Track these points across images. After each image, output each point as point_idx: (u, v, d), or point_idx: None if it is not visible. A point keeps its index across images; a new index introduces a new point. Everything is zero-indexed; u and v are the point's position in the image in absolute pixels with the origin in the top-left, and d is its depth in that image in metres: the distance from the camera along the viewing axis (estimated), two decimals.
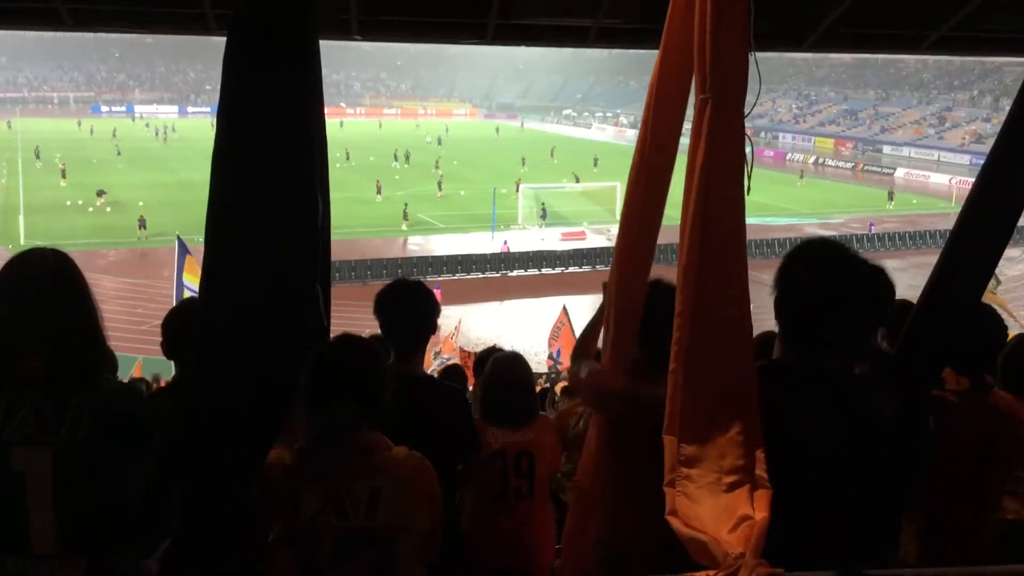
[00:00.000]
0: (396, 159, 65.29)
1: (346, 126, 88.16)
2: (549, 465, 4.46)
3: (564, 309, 22.31)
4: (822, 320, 2.57)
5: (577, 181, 53.56)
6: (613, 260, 3.30)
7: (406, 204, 44.16)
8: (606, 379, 3.32)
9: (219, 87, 2.60)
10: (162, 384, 12.02)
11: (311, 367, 2.67)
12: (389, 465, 2.61)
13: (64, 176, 52.23)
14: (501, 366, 4.45)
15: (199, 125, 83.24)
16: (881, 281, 3.22)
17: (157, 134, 79.19)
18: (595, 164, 62.93)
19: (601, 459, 3.43)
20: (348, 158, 62.24)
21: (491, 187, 46.75)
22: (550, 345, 21.59)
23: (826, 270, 2.58)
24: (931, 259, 3.35)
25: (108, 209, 44.02)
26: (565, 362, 19.47)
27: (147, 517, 2.70)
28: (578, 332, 4.19)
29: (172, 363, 3.99)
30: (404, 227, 42.64)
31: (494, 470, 4.15)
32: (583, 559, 3.59)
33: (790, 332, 2.67)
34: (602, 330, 3.40)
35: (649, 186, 3.03)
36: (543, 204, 45.36)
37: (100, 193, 45.59)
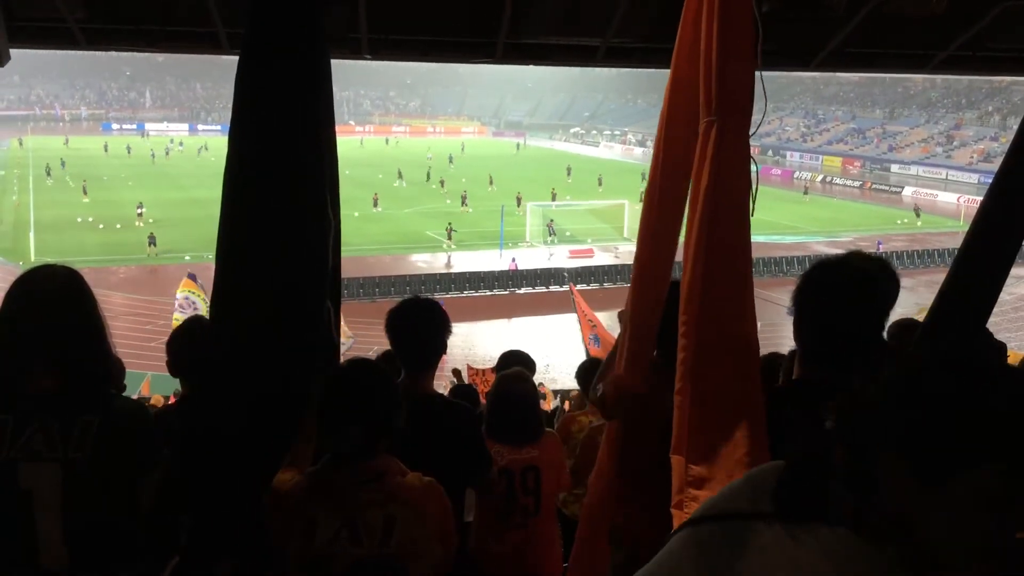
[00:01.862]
0: (400, 176, 65.38)
1: (354, 144, 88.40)
2: (555, 481, 4.45)
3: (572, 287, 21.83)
4: (840, 340, 2.57)
5: (553, 199, 53.46)
6: (632, 275, 3.29)
7: (450, 223, 44.35)
8: (622, 384, 3.29)
9: (230, 105, 2.62)
10: (171, 400, 12.05)
11: (321, 390, 2.66)
12: (402, 492, 2.59)
13: (85, 192, 52.60)
14: (506, 383, 4.45)
15: (212, 143, 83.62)
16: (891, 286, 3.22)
17: (168, 152, 79.46)
18: (600, 183, 62.63)
19: (615, 457, 3.41)
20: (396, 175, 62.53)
21: (499, 204, 46.96)
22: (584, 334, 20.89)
23: (843, 290, 2.58)
24: (939, 277, 3.34)
25: (139, 225, 44.08)
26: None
27: (156, 534, 2.70)
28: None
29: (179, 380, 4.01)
30: (445, 245, 42.83)
31: (500, 487, 4.14)
32: (595, 565, 3.57)
33: (809, 352, 2.67)
34: (619, 339, 3.37)
35: (664, 203, 3.03)
36: (551, 221, 45.41)
37: (139, 209, 45.52)
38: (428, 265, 39.84)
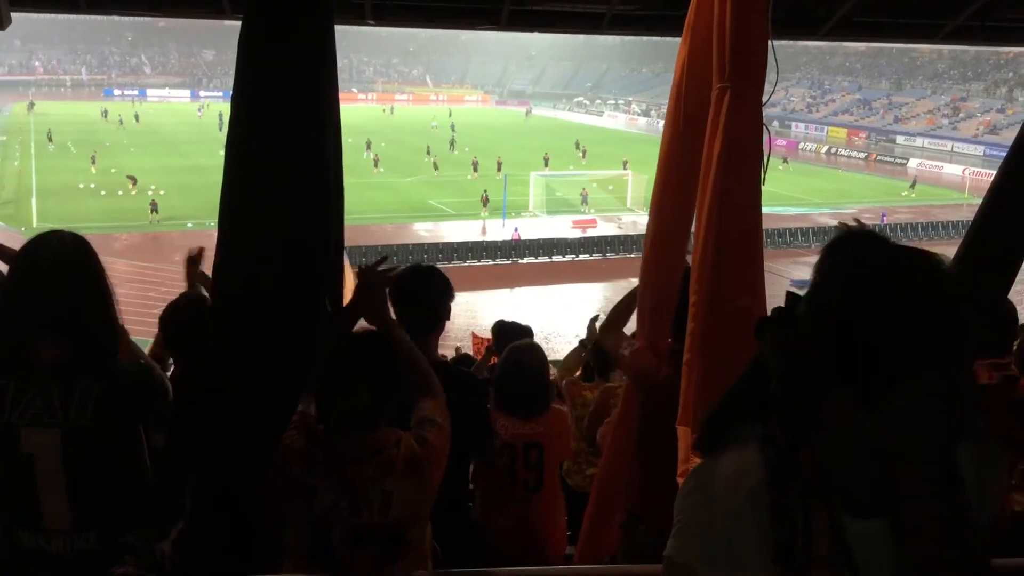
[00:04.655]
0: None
1: (356, 111, 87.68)
2: (559, 456, 4.45)
3: None
4: None
5: (546, 165, 53.59)
6: (645, 247, 3.27)
7: (484, 190, 44.14)
8: (650, 364, 3.30)
9: (233, 71, 2.60)
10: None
11: (329, 351, 2.65)
12: (400, 465, 2.58)
13: (94, 163, 51.08)
14: (516, 354, 4.43)
15: (211, 109, 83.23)
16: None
17: (137, 118, 78.56)
18: (583, 156, 61.42)
19: (632, 437, 3.42)
20: (368, 144, 62.10)
21: (503, 174, 46.89)
22: None
23: (868, 260, 2.55)
24: (943, 249, 3.32)
25: (134, 193, 43.72)
26: None
27: (160, 499, 2.72)
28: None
29: None
30: (483, 213, 42.84)
31: (502, 462, 4.14)
32: (606, 537, 3.58)
33: None
34: (636, 312, 3.37)
35: (680, 174, 3.01)
36: (584, 189, 45.41)
37: (132, 180, 45.06)
38: (431, 234, 39.77)
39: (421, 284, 3.50)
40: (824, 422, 1.33)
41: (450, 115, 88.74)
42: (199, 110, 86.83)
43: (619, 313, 3.76)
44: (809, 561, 1.32)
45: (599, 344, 4.02)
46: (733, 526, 1.34)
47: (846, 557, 1.33)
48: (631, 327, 3.68)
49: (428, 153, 58.87)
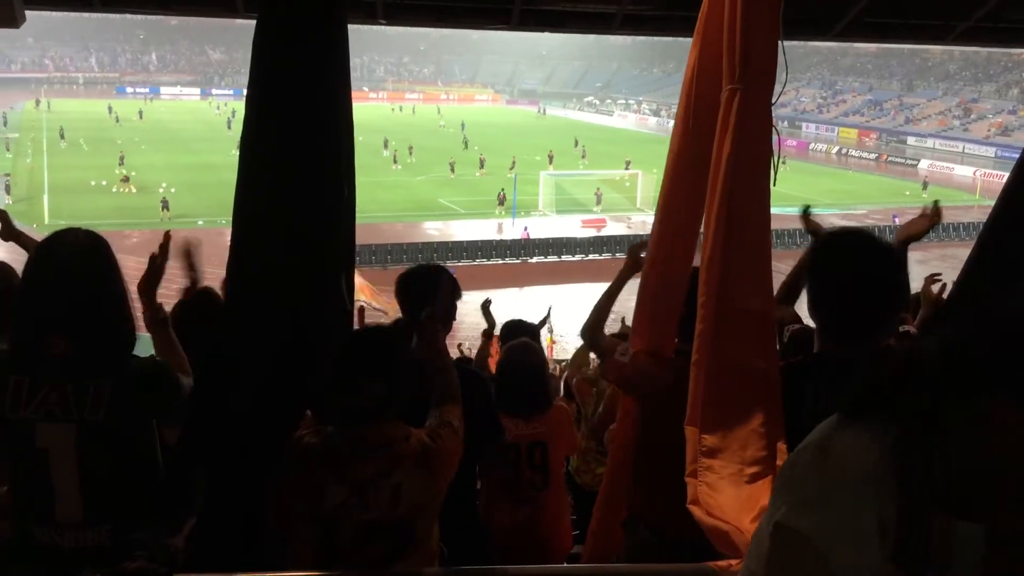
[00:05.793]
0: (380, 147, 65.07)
1: (366, 110, 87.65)
2: (564, 455, 4.45)
3: None
4: (863, 310, 2.53)
5: (551, 163, 53.93)
6: (650, 249, 3.26)
7: (502, 189, 44.20)
8: (650, 368, 3.28)
9: (245, 69, 2.62)
10: None
11: (340, 348, 2.67)
12: (409, 458, 2.60)
13: (122, 163, 49.56)
14: (513, 354, 4.44)
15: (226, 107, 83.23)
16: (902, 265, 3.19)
17: (141, 114, 78.79)
18: (584, 155, 61.14)
19: (634, 442, 3.42)
20: (385, 143, 62.06)
21: (513, 173, 46.90)
22: None
23: (864, 260, 2.54)
24: (955, 251, 3.32)
25: (128, 192, 44.06)
26: None
27: (172, 495, 2.74)
28: None
29: None
30: (499, 212, 42.95)
31: (507, 462, 4.15)
32: (613, 537, 3.59)
33: (828, 327, 2.63)
34: (636, 313, 3.36)
35: (690, 176, 3.00)
36: (598, 189, 45.45)
37: (125, 179, 45.41)
38: (440, 233, 39.77)
39: (427, 283, 3.50)
40: (978, 430, 1.30)
41: (439, 111, 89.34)
42: (216, 108, 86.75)
43: (600, 310, 3.71)
44: (926, 564, 1.30)
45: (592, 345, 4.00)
46: (854, 510, 1.31)
47: (952, 560, 1.31)
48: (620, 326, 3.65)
49: (411, 154, 58.85)
